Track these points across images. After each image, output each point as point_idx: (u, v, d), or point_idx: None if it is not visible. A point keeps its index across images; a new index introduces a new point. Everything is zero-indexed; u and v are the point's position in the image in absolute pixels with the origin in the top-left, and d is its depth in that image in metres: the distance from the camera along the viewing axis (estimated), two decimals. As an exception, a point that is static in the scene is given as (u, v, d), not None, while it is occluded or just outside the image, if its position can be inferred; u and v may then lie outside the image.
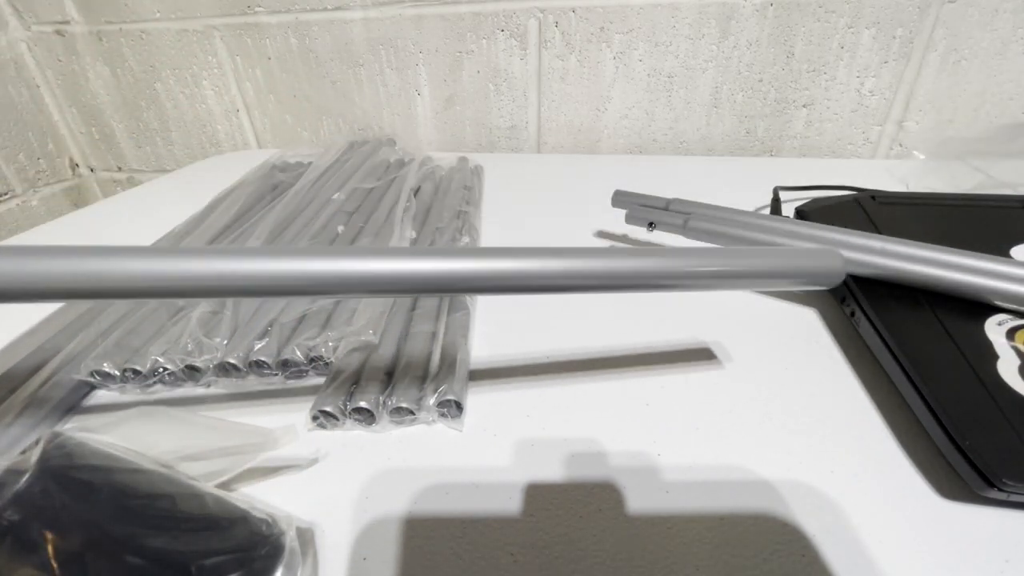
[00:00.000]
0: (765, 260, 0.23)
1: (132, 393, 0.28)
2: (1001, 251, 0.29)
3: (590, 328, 0.32)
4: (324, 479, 0.23)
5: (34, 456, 0.18)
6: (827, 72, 0.55)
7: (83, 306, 0.34)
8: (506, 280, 0.21)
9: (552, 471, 0.23)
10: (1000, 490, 0.19)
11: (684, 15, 0.55)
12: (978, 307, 0.26)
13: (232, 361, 0.28)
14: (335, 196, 0.48)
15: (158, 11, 0.66)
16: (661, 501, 0.21)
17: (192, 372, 0.28)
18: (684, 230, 0.34)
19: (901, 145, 0.57)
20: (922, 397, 0.22)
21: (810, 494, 0.21)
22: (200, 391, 0.28)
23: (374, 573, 0.19)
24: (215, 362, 0.28)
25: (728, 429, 0.24)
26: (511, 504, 0.21)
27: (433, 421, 0.25)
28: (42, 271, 0.17)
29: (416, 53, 0.63)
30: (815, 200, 0.37)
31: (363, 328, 0.29)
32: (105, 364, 0.28)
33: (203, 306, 0.31)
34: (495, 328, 0.32)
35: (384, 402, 0.25)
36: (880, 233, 0.30)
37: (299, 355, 0.28)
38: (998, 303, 0.26)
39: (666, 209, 0.36)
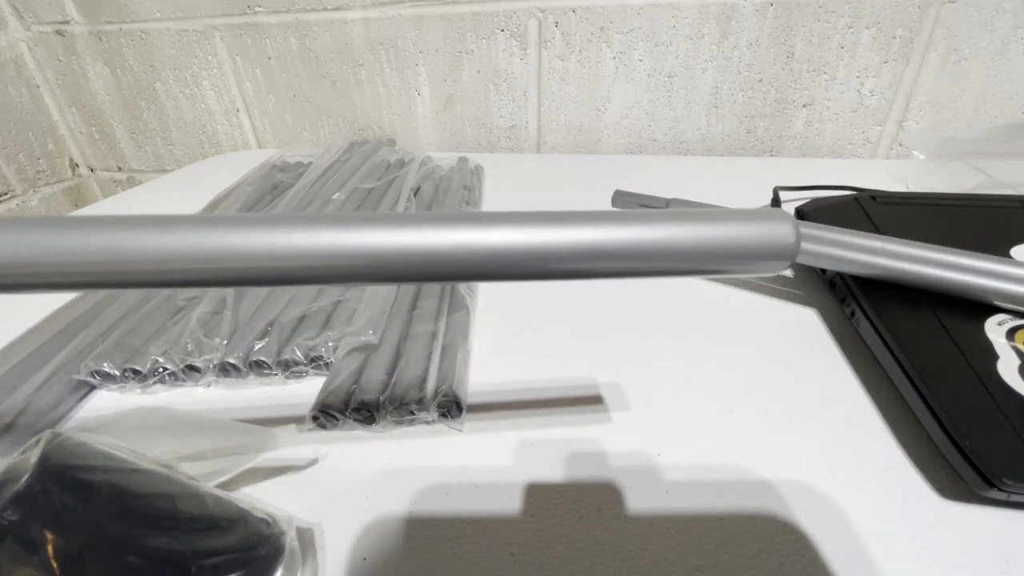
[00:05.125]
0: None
1: (132, 393, 0.28)
2: (1001, 251, 0.29)
3: (589, 326, 0.32)
4: (324, 479, 0.23)
5: (34, 456, 0.18)
6: (827, 72, 0.55)
7: (84, 305, 0.34)
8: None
9: (552, 471, 0.23)
10: (1000, 490, 0.19)
11: (684, 15, 0.55)
12: (978, 307, 0.26)
13: (232, 361, 0.28)
14: (335, 196, 0.48)
15: (158, 11, 0.66)
16: (661, 501, 0.21)
17: (192, 372, 0.28)
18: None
19: (901, 145, 0.57)
20: (922, 397, 0.22)
21: (810, 494, 0.21)
22: (200, 391, 0.28)
23: (374, 573, 0.19)
24: (215, 362, 0.28)
25: (728, 429, 0.24)
26: (511, 504, 0.21)
27: (433, 421, 0.25)
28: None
29: (416, 53, 0.62)
30: (815, 200, 0.37)
31: (363, 328, 0.29)
32: (105, 364, 0.28)
33: (203, 306, 0.31)
34: (495, 328, 0.32)
35: (384, 402, 0.25)
36: (880, 233, 0.30)
37: (299, 355, 0.28)
38: (998, 303, 0.26)
39: (666, 209, 0.36)
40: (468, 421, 0.25)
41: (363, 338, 0.28)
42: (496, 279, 0.17)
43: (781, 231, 0.17)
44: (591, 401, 0.26)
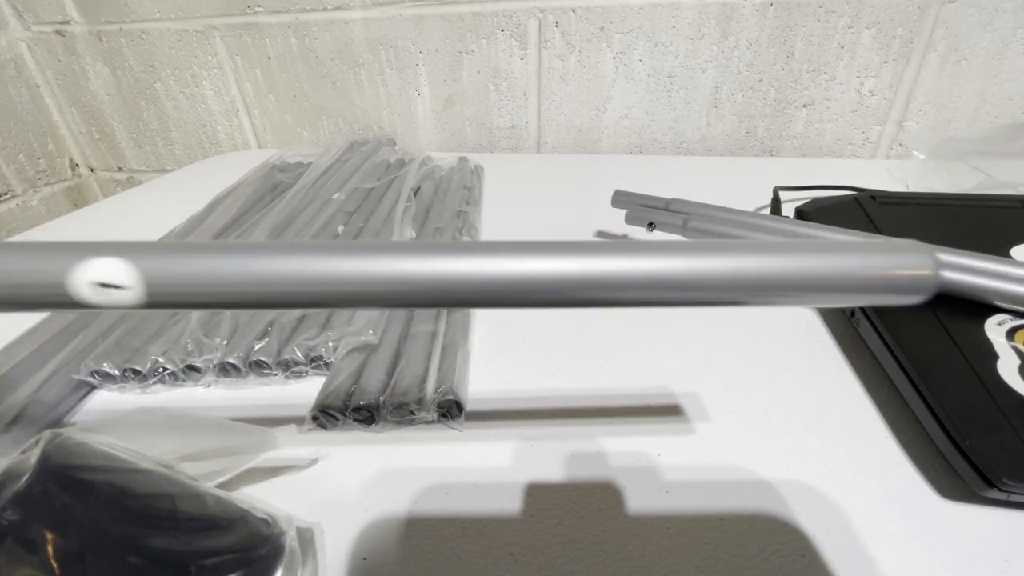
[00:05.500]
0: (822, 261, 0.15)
1: (132, 393, 0.28)
2: (1001, 251, 0.29)
3: (588, 326, 0.32)
4: (324, 479, 0.23)
5: (34, 456, 0.18)
6: (827, 72, 0.55)
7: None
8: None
9: (552, 471, 0.23)
10: (1000, 490, 0.19)
11: (684, 15, 0.55)
12: (978, 307, 0.26)
13: (232, 361, 0.28)
14: (335, 196, 0.48)
15: (158, 11, 0.66)
16: (661, 501, 0.21)
17: (192, 372, 0.28)
18: (684, 230, 0.34)
19: (901, 145, 0.57)
20: (922, 397, 0.22)
21: (810, 494, 0.21)
22: (200, 391, 0.28)
23: (374, 573, 0.19)
24: (215, 362, 0.28)
25: (728, 429, 0.24)
26: (511, 504, 0.21)
27: (433, 421, 0.25)
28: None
29: (416, 53, 0.62)
30: (815, 200, 0.37)
31: (363, 328, 0.29)
32: (105, 364, 0.28)
33: (203, 306, 0.31)
34: (495, 328, 0.32)
35: (384, 402, 0.25)
36: (880, 233, 0.30)
37: (299, 355, 0.28)
38: (998, 303, 0.26)
39: (666, 209, 0.36)
40: (468, 421, 0.25)
41: (363, 338, 0.28)
42: (593, 305, 0.16)
43: (919, 261, 0.15)
44: (591, 401, 0.26)
